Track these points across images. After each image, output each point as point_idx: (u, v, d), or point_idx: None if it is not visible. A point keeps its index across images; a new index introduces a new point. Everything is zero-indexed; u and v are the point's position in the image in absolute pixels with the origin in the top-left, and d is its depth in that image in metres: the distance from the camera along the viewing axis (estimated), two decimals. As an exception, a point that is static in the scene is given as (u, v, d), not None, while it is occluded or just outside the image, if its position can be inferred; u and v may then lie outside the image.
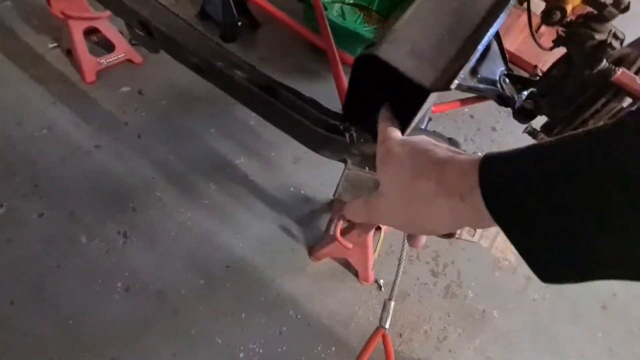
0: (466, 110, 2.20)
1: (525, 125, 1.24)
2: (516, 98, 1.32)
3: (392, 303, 0.73)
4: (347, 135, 0.75)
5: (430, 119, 1.11)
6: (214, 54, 0.81)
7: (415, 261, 1.68)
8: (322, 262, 1.60)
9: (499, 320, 1.61)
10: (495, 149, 2.09)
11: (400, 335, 1.51)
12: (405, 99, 0.53)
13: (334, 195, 0.82)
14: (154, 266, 1.47)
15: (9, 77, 1.77)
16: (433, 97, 0.70)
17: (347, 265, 1.60)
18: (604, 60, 0.97)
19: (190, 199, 1.64)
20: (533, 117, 1.29)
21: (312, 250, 1.60)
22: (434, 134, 0.81)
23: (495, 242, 1.80)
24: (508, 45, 2.39)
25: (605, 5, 0.98)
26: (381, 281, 1.59)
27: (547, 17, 1.04)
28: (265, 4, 1.39)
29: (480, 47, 0.53)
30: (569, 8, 1.01)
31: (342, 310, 1.52)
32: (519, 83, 1.32)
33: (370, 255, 1.49)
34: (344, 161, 0.83)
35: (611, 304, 1.75)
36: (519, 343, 1.58)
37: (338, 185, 0.82)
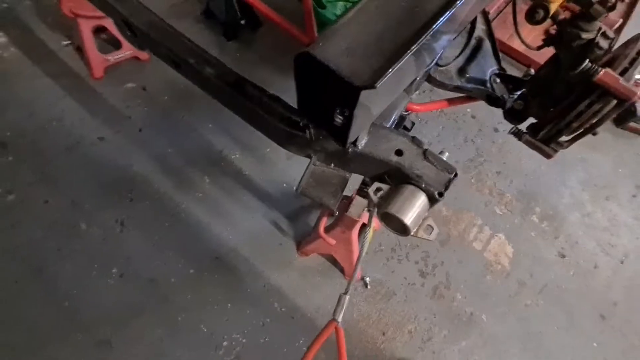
0: (468, 110, 2.16)
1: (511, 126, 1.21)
2: (507, 98, 1.29)
3: (347, 297, 0.74)
4: (307, 132, 0.77)
5: (403, 118, 1.11)
6: (187, 50, 0.85)
7: (404, 261, 1.68)
8: (309, 258, 1.62)
9: (487, 324, 1.59)
10: (496, 151, 2.05)
11: (384, 334, 1.52)
12: (341, 96, 0.55)
13: (296, 190, 0.84)
14: (147, 254, 1.54)
15: (24, 71, 1.88)
16: (388, 96, 0.70)
17: (334, 261, 1.61)
18: (586, 60, 0.94)
19: (186, 191, 1.70)
20: (523, 118, 1.26)
21: (300, 245, 1.63)
22: (398, 133, 0.81)
23: (488, 245, 1.77)
24: (509, 39, 2.32)
25: (591, 3, 0.95)
26: (367, 279, 1.60)
27: (530, 16, 1.01)
28: (259, 5, 1.41)
29: (415, 47, 0.54)
30: (552, 7, 0.98)
31: (327, 305, 1.54)
32: (511, 83, 1.29)
33: (355, 252, 1.49)
34: (309, 157, 0.85)
35: (611, 313, 1.68)
36: (507, 349, 1.55)
37: (302, 180, 0.84)
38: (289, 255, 1.62)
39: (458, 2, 0.60)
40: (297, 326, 1.48)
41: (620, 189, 2.02)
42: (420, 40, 0.55)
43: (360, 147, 0.78)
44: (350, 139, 0.67)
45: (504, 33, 2.36)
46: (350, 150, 0.77)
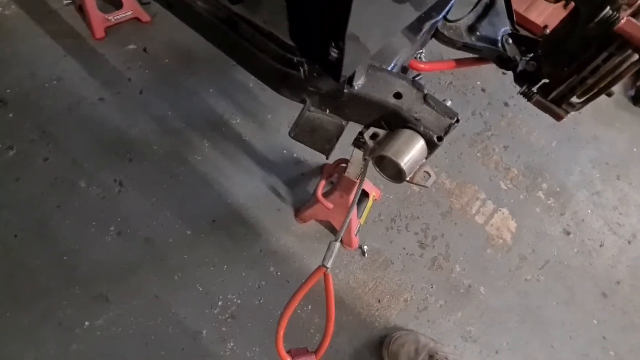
0: (478, 83, 2.08)
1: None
2: (519, 60, 1.23)
3: (337, 244, 0.72)
4: (301, 70, 0.73)
5: (406, 69, 1.06)
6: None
7: (404, 231, 1.65)
8: (307, 225, 1.61)
9: (485, 296, 1.56)
10: (505, 125, 1.98)
11: (379, 301, 1.51)
12: (334, 20, 0.51)
13: (289, 134, 0.81)
14: (145, 214, 1.54)
15: (25, 30, 1.86)
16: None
17: (332, 229, 1.60)
18: (607, 8, 0.87)
19: (185, 154, 1.68)
20: (536, 81, 1.19)
21: (298, 211, 1.61)
22: (397, 76, 0.77)
23: (491, 219, 1.73)
24: (525, 11, 2.21)
25: (615, -52, 0.88)
26: (365, 247, 1.58)
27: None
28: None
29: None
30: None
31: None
32: (524, 44, 1.22)
33: (354, 219, 1.47)
34: (304, 101, 0.82)
35: (613, 292, 1.64)
36: (504, 322, 1.53)
37: (296, 125, 0.81)
38: (286, 221, 1.60)
39: None
40: (292, 290, 1.45)
41: (633, 168, 1.95)
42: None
43: (356, 88, 0.74)
44: (345, 71, 0.63)
45: (521, 4, 2.25)
46: (346, 90, 0.74)
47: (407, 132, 0.72)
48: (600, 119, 2.07)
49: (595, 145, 1.98)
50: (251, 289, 1.46)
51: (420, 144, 0.72)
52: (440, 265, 1.60)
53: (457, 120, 0.75)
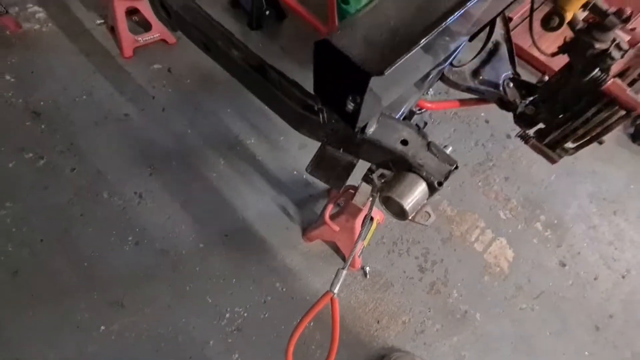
0: (482, 114, 2.18)
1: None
2: (518, 103, 1.32)
3: (344, 271, 0.81)
4: (320, 116, 0.83)
5: (413, 113, 1.16)
6: (217, 34, 0.92)
7: (405, 255, 1.73)
8: (313, 244, 1.69)
9: (481, 322, 1.63)
10: (506, 157, 2.07)
11: (378, 322, 1.57)
12: (353, 81, 0.61)
13: (307, 169, 0.91)
14: (161, 226, 1.64)
15: (60, 47, 2.00)
16: (402, 86, 0.76)
17: (337, 249, 1.68)
18: (597, 69, 0.97)
19: (201, 171, 1.79)
20: (533, 123, 1.29)
21: (305, 231, 1.70)
22: (405, 124, 0.86)
23: (490, 247, 1.80)
24: (530, 47, 2.32)
25: (606, 14, 0.98)
26: (367, 268, 1.65)
27: (546, 22, 1.04)
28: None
29: (424, 41, 0.59)
30: (567, 15, 1.01)
31: (326, 290, 1.60)
32: (524, 88, 1.32)
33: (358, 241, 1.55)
34: (320, 140, 0.91)
35: (606, 325, 1.69)
36: (498, 348, 1.59)
37: (311, 161, 0.90)
38: (294, 240, 1.69)
39: (469, 2, 0.65)
40: (296, 306, 1.55)
41: (629, 205, 2.01)
42: (430, 35, 0.60)
43: (368, 134, 0.84)
44: (360, 123, 0.73)
45: (526, 40, 2.36)
46: (359, 136, 0.83)
47: (411, 176, 0.82)
48: (599, 155, 2.15)
49: (593, 181, 2.06)
50: (257, 303, 1.54)
51: (422, 187, 0.81)
52: (438, 289, 1.67)
53: (456, 167, 0.84)
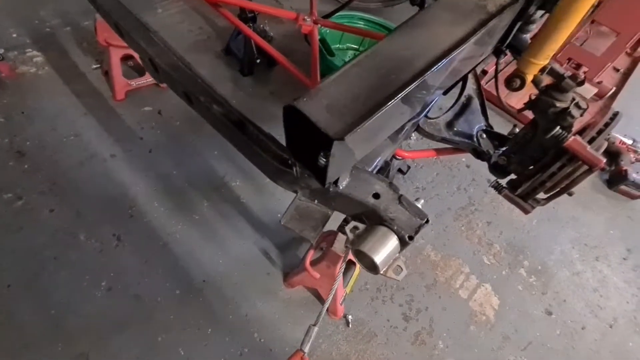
0: (463, 159, 2.25)
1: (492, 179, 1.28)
2: (492, 153, 1.38)
3: (316, 329, 0.78)
4: (294, 170, 0.85)
5: (389, 164, 1.19)
6: (200, 90, 0.96)
7: (389, 302, 1.68)
8: (294, 290, 1.65)
9: (468, 377, 1.55)
10: (488, 201, 2.10)
11: (361, 376, 1.49)
12: (319, 143, 0.63)
13: (281, 221, 0.91)
14: (137, 271, 1.59)
15: (53, 89, 2.06)
16: (362, 146, 0.79)
17: (318, 296, 1.63)
18: (558, 127, 1.03)
19: (184, 213, 1.77)
20: (507, 173, 1.33)
21: (286, 277, 1.66)
22: (377, 178, 0.89)
23: (475, 294, 1.77)
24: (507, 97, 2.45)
25: (563, 78, 1.06)
26: (350, 317, 1.60)
27: (509, 83, 1.12)
28: (270, 50, 1.57)
29: (384, 109, 0.63)
30: (528, 77, 1.09)
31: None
32: (496, 139, 1.38)
33: (339, 288, 1.52)
34: (295, 192, 0.93)
35: (597, 380, 1.63)
36: (487, 406, 1.51)
37: (286, 213, 0.91)
38: (275, 285, 1.64)
39: (426, 74, 0.70)
40: (275, 359, 1.47)
41: (610, 250, 2.03)
42: (390, 103, 0.64)
43: (341, 188, 0.86)
44: (329, 179, 0.75)
45: (501, 90, 2.51)
46: (331, 189, 0.85)
47: (382, 230, 0.82)
48: (578, 200, 2.21)
49: (574, 226, 2.09)
50: (233, 356, 1.46)
51: (393, 242, 0.81)
52: (423, 340, 1.61)
53: (427, 221, 0.85)
